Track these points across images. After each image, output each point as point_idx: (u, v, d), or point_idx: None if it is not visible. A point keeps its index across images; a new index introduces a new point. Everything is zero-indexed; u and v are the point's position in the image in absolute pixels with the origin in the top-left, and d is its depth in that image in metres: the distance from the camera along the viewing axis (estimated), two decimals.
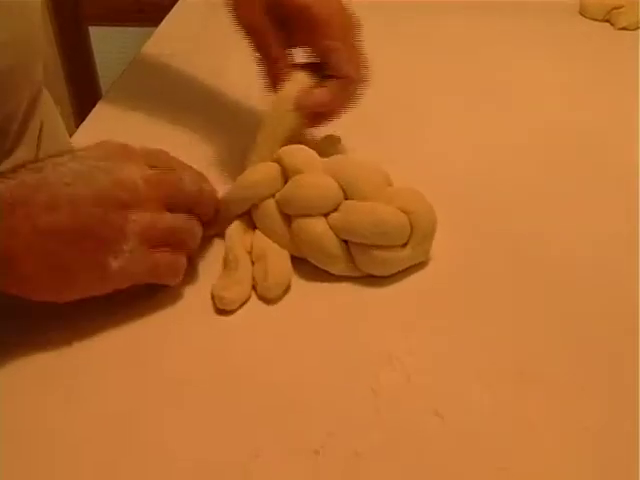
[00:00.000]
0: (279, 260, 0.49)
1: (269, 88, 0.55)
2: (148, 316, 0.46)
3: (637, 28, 0.87)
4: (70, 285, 0.42)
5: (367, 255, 0.48)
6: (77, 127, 0.69)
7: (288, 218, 0.50)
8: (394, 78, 0.76)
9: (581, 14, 0.91)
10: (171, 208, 0.45)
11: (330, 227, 0.48)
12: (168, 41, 0.84)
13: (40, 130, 0.64)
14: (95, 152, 0.44)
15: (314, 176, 0.49)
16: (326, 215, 0.49)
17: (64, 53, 0.75)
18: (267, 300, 0.48)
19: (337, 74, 0.52)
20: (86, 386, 0.42)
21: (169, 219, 0.45)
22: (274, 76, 0.54)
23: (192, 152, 0.56)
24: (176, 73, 0.76)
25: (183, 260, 0.46)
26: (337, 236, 0.48)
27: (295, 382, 0.42)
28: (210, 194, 0.48)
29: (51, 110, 0.68)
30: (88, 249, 0.41)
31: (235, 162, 0.58)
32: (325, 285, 0.49)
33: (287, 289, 0.48)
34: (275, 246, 0.50)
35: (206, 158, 0.61)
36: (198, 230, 0.47)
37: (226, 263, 0.49)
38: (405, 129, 0.68)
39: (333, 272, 0.49)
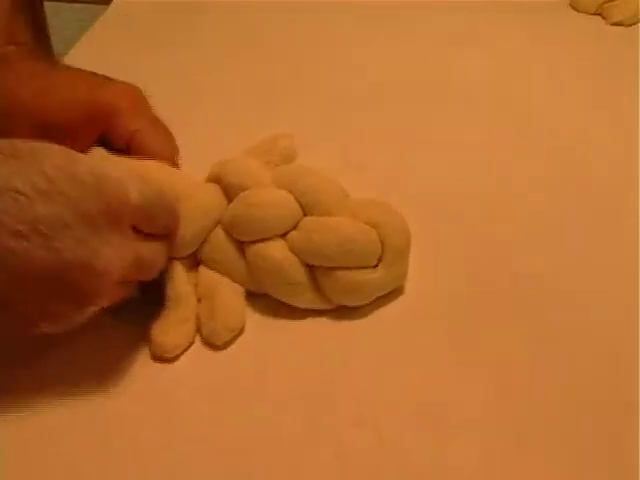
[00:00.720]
0: (230, 298, 0.41)
1: None
2: (78, 365, 0.39)
3: (633, 24, 0.80)
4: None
5: (334, 279, 0.41)
6: None
7: (240, 246, 0.42)
8: (370, 77, 0.70)
9: (572, 7, 0.85)
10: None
11: (290, 250, 0.41)
12: (124, 15, 0.78)
13: None
14: (79, 194, 0.33)
15: (266, 191, 0.42)
16: (284, 236, 0.42)
17: None
18: (214, 346, 0.41)
19: (147, 153, 0.44)
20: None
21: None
22: None
23: None
24: (133, 46, 0.69)
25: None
26: (300, 260, 0.41)
27: (247, 447, 0.36)
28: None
29: None
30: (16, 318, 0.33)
31: (199, 141, 0.51)
32: (284, 322, 0.42)
33: (239, 333, 0.41)
34: (226, 280, 0.42)
35: None
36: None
37: (166, 301, 0.41)
38: (375, 133, 0.60)
39: (299, 305, 0.42)
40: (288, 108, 0.63)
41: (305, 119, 0.60)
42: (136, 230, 0.36)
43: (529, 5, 0.85)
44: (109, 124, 0.44)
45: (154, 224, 0.37)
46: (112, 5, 0.81)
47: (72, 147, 0.37)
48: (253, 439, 0.36)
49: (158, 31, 0.77)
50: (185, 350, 0.40)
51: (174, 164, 0.45)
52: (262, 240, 0.41)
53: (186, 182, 0.43)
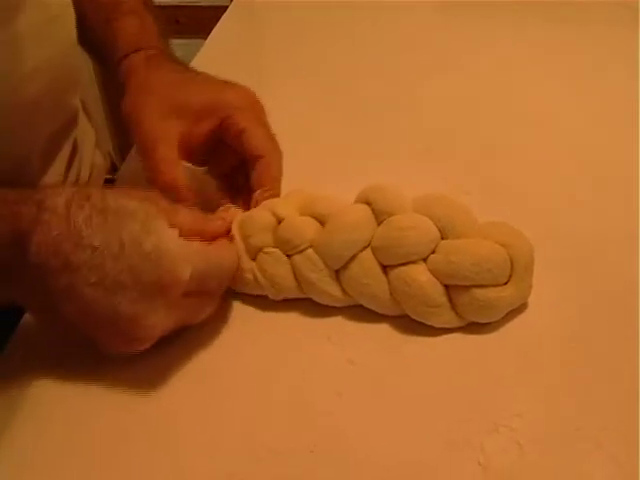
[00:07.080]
0: None
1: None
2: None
3: None
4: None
5: (471, 297, 0.43)
6: (114, 142, 0.68)
7: (384, 270, 0.45)
8: (442, 100, 0.72)
9: None
10: None
11: (431, 272, 0.44)
12: (214, 57, 0.82)
13: (72, 154, 0.61)
14: (139, 263, 0.38)
15: (411, 217, 0.45)
16: (424, 259, 0.44)
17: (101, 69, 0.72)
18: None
19: (255, 154, 0.49)
20: None
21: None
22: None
23: None
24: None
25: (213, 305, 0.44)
26: (439, 282, 0.44)
27: (386, 456, 0.38)
28: None
29: (86, 132, 0.66)
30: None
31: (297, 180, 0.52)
32: (416, 339, 0.44)
33: None
34: None
35: None
36: None
37: None
38: (469, 158, 0.63)
39: (436, 325, 0.44)
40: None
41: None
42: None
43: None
44: (224, 119, 0.50)
45: (202, 289, 0.42)
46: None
47: (190, 129, 0.50)
48: (391, 446, 0.38)
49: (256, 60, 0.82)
50: None
51: (278, 167, 0.50)
52: (405, 264, 0.44)
53: (339, 202, 0.47)
